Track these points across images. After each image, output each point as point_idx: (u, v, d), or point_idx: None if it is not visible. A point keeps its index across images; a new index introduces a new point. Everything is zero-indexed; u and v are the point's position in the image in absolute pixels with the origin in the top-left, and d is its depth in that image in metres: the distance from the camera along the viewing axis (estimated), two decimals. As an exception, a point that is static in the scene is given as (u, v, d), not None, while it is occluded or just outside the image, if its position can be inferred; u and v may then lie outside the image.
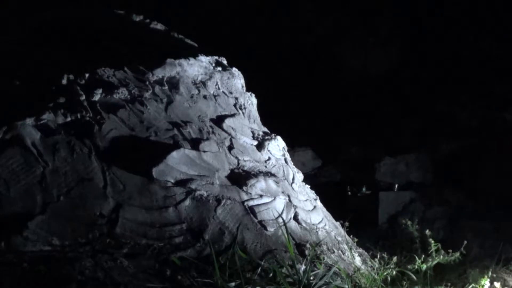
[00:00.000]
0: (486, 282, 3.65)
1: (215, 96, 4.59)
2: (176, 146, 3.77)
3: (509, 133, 9.45)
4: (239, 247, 3.40)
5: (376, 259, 4.27)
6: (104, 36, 5.41)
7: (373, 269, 3.96)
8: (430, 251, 4.31)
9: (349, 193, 11.26)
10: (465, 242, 4.54)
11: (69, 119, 3.67)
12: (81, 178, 3.39)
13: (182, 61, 4.57)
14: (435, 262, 4.18)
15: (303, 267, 3.18)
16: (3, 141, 3.41)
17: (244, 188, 3.80)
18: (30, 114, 3.60)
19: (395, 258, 4.41)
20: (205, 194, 3.62)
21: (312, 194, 4.72)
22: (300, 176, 4.79)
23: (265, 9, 11.49)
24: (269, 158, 4.37)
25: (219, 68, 4.84)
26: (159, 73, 4.34)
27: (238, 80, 4.93)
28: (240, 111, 4.70)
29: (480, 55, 10.63)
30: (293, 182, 4.40)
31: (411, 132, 11.53)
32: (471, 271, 4.16)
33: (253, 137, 4.47)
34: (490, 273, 4.06)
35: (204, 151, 3.87)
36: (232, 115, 4.49)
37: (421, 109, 11.56)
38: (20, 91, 3.89)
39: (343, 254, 4.06)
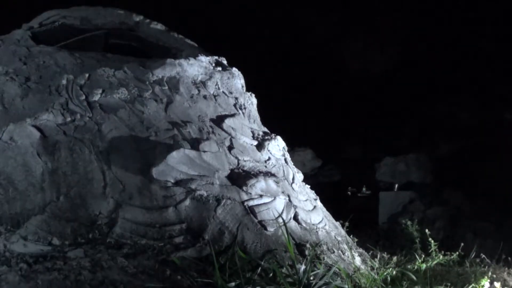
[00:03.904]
0: (486, 282, 3.64)
1: (215, 96, 4.58)
2: (176, 146, 3.77)
3: (509, 133, 9.45)
4: (239, 247, 3.40)
5: (376, 259, 4.27)
6: (104, 36, 5.42)
7: (373, 269, 3.95)
8: (430, 251, 4.31)
9: (349, 193, 11.29)
10: (465, 242, 4.55)
11: (69, 119, 3.67)
12: (81, 178, 3.39)
13: (182, 61, 4.57)
14: (435, 262, 4.18)
15: (303, 267, 3.17)
16: (3, 141, 3.41)
17: (244, 188, 3.80)
18: (30, 114, 3.60)
19: (395, 258, 4.41)
20: (205, 194, 3.62)
21: (312, 194, 4.72)
22: (300, 176, 4.78)
23: (265, 9, 11.49)
24: (269, 158, 4.37)
25: (219, 68, 4.83)
26: (159, 73, 4.34)
27: (238, 80, 4.92)
28: (240, 111, 4.70)
29: (480, 55, 10.63)
30: (293, 182, 4.40)
31: (411, 132, 11.55)
32: (471, 271, 4.16)
33: (253, 137, 4.47)
34: (490, 273, 4.06)
35: (204, 151, 3.87)
36: (232, 115, 4.48)
37: (421, 109, 11.57)
38: (20, 91, 3.89)
39: (343, 254, 4.06)
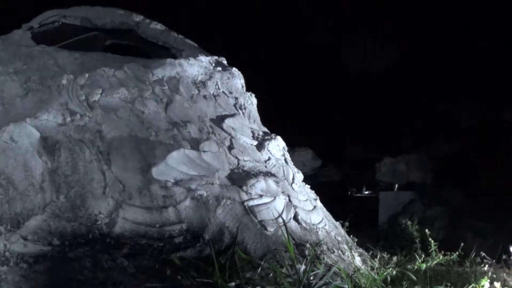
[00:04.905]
0: (486, 282, 3.64)
1: (215, 96, 4.58)
2: (176, 146, 3.77)
3: (509, 133, 9.45)
4: (239, 247, 3.40)
5: (376, 259, 4.26)
6: (104, 36, 5.41)
7: (373, 269, 3.95)
8: (430, 251, 4.30)
9: (350, 193, 11.29)
10: (465, 242, 4.55)
11: (69, 119, 3.67)
12: (81, 178, 3.39)
13: (182, 61, 4.57)
14: (435, 262, 4.18)
15: (303, 267, 3.17)
16: (3, 141, 3.41)
17: (244, 188, 3.80)
18: (30, 114, 3.60)
19: (395, 258, 4.41)
20: (205, 194, 3.62)
21: (312, 194, 4.72)
22: (300, 176, 4.79)
23: (265, 9, 11.49)
24: (269, 158, 4.37)
25: (219, 68, 4.83)
26: (159, 73, 4.34)
27: (238, 80, 4.92)
28: (240, 111, 4.70)
29: (480, 55, 10.63)
30: (293, 182, 4.40)
31: (411, 132, 11.55)
32: (471, 271, 4.16)
33: (253, 137, 4.47)
34: (490, 273, 4.06)
35: (204, 151, 3.87)
36: (232, 115, 4.49)
37: (421, 109, 11.57)
38: (20, 91, 3.89)
39: (343, 254, 4.06)
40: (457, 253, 4.38)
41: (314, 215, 4.24)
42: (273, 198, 3.89)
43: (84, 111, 3.76)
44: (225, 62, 5.08)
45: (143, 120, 3.91)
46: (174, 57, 4.80)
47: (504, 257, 4.67)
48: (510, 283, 4.03)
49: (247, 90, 5.05)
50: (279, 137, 4.63)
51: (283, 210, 3.87)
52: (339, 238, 4.31)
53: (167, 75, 4.38)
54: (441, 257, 4.27)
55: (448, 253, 4.37)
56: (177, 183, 3.58)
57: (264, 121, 5.05)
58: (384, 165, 11.09)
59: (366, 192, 11.24)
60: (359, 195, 11.33)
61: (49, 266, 2.90)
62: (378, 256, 4.38)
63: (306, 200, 4.39)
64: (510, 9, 9.97)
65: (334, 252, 3.96)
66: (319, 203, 4.61)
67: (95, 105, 3.84)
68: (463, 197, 9.35)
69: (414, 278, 3.64)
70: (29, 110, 3.67)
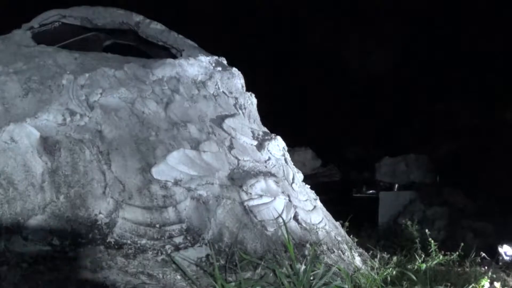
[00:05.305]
0: (486, 282, 3.65)
1: (215, 96, 4.58)
2: (176, 146, 3.77)
3: (509, 133, 9.46)
4: (239, 247, 3.40)
5: (376, 259, 4.26)
6: (104, 36, 5.42)
7: (373, 269, 3.95)
8: (430, 251, 4.31)
9: (351, 193, 11.31)
10: (465, 242, 4.56)
11: (69, 119, 3.67)
12: (81, 178, 3.39)
13: (182, 61, 4.57)
14: (435, 262, 4.18)
15: (303, 267, 3.18)
16: (3, 141, 3.41)
17: (244, 188, 3.80)
18: (30, 114, 3.60)
19: (395, 258, 4.41)
20: (205, 194, 3.62)
21: (312, 194, 4.71)
22: (300, 176, 4.78)
23: (265, 9, 11.50)
24: (269, 158, 4.37)
25: (219, 68, 4.83)
26: (159, 73, 4.34)
27: (238, 80, 4.92)
28: (240, 111, 4.69)
29: (480, 55, 10.64)
30: (293, 182, 4.40)
31: (411, 132, 11.57)
32: (471, 271, 4.16)
33: (253, 137, 4.47)
34: (490, 273, 4.06)
35: (204, 151, 3.87)
36: (232, 115, 4.48)
37: (421, 109, 11.59)
38: (21, 91, 3.89)
39: (343, 254, 4.06)
40: (457, 253, 4.39)
41: (314, 215, 4.24)
42: (273, 198, 3.88)
43: (84, 111, 3.76)
44: (225, 62, 5.08)
45: (143, 120, 3.91)
46: (174, 57, 4.80)
47: (500, 258, 4.69)
48: (510, 283, 4.04)
49: (247, 90, 5.05)
50: (279, 137, 4.63)
51: (283, 210, 3.87)
52: (339, 238, 4.31)
53: (167, 75, 4.38)
54: (441, 257, 4.28)
55: (448, 253, 4.37)
56: (177, 183, 3.58)
57: (264, 121, 5.05)
58: (384, 165, 11.10)
59: (367, 192, 11.26)
60: (359, 195, 11.34)
61: (49, 266, 2.90)
62: (378, 256, 4.39)
63: (306, 200, 4.39)
64: (510, 9, 9.97)
65: (334, 252, 3.96)
66: (319, 203, 4.61)
67: (95, 105, 3.84)
68: (463, 197, 9.37)
69: (414, 278, 3.65)
70: (29, 110, 3.68)
